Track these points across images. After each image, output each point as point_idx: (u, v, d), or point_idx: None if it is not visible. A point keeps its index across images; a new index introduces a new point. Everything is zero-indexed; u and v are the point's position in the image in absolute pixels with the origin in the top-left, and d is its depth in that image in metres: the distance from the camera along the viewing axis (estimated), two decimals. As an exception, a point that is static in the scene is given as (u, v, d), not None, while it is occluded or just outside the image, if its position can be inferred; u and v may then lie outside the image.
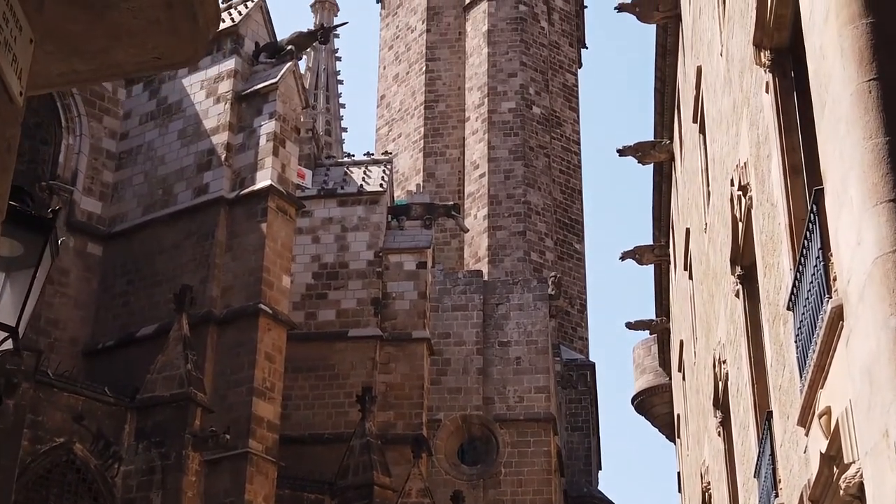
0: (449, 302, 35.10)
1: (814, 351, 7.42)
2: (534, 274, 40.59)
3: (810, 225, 7.48)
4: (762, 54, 9.55)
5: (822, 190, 7.23)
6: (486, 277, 38.24)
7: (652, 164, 24.34)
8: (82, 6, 4.37)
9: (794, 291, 8.14)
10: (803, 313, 7.89)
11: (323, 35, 26.49)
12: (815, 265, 7.36)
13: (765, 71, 9.50)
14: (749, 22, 10.12)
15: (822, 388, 7.36)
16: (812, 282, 7.49)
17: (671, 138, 22.74)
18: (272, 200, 23.80)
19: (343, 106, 58.85)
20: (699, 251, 17.57)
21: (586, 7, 53.35)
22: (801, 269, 7.88)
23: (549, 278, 36.76)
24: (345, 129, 57.36)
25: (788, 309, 8.48)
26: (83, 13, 4.42)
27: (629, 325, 28.86)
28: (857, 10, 6.48)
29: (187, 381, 21.22)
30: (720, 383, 14.61)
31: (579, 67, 51.19)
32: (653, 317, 29.04)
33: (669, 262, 25.58)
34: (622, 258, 26.02)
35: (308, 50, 58.41)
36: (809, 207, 7.52)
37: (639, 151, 23.50)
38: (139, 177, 25.92)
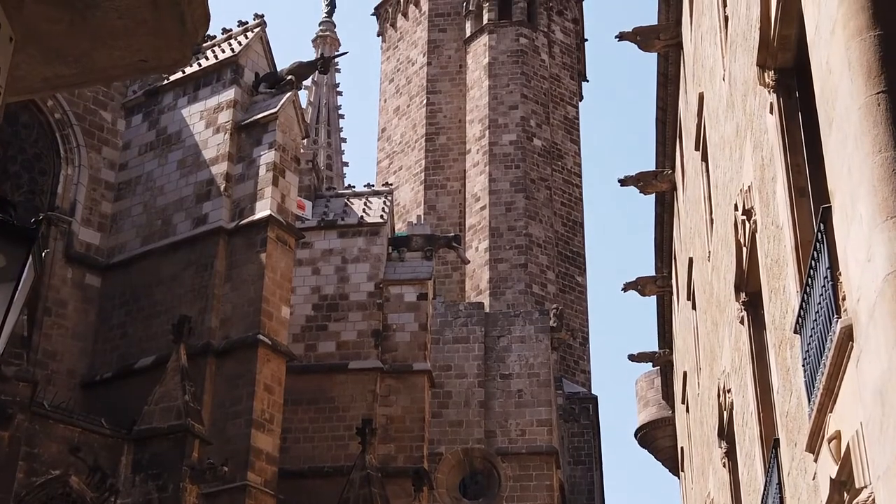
0: (450, 334, 34.92)
1: (822, 374, 7.27)
2: (535, 306, 40.40)
3: (818, 245, 7.35)
4: (766, 75, 9.46)
5: (830, 208, 7.09)
6: (487, 310, 38.06)
7: (654, 195, 24.29)
8: (64, 6, 4.22)
9: (802, 314, 8.00)
10: (811, 336, 7.74)
11: (323, 65, 26.43)
12: (823, 285, 7.22)
13: (769, 92, 9.41)
14: (752, 44, 10.04)
15: (831, 411, 7.20)
16: (820, 302, 7.35)
17: (673, 168, 22.70)
18: (272, 230, 23.66)
19: (344, 140, 58.95)
20: (702, 280, 17.46)
21: (587, 40, 53.48)
22: (808, 290, 7.75)
23: (551, 310, 36.59)
24: (346, 164, 57.38)
25: (795, 332, 8.34)
26: (65, 13, 4.27)
27: (632, 358, 28.67)
28: (865, 23, 6.37)
29: (185, 412, 21.00)
30: (725, 413, 14.45)
31: (580, 100, 51.25)
32: (656, 349, 28.87)
33: (672, 293, 25.48)
34: (624, 289, 25.92)
35: (309, 85, 58.74)
36: (817, 227, 7.39)
37: (640, 181, 23.46)
38: (138, 207, 25.80)
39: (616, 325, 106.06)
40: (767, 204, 9.87)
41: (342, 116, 59.99)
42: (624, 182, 23.37)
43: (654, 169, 23.64)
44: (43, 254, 4.71)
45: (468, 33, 49.00)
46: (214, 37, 27.20)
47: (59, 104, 25.83)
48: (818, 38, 7.28)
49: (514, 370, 34.81)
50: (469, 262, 41.92)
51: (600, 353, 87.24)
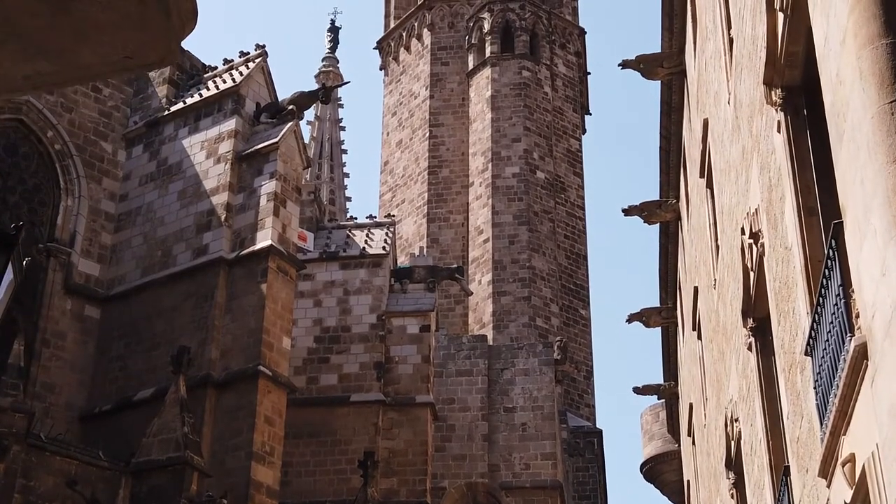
0: (453, 367, 34.69)
1: (835, 395, 7.09)
2: (539, 339, 40.15)
3: (829, 262, 7.18)
4: (773, 93, 9.33)
5: (842, 223, 6.93)
6: (490, 342, 37.83)
7: (658, 225, 24.17)
8: (46, -3, 4.03)
9: (813, 335, 7.83)
10: (823, 357, 7.56)
11: (325, 95, 26.32)
12: (836, 303, 7.04)
13: (776, 110, 9.27)
14: (758, 63, 9.93)
15: (844, 434, 7.00)
16: (832, 321, 7.17)
17: (677, 197, 22.61)
18: (272, 261, 23.47)
19: (347, 175, 59.03)
20: (708, 309, 17.34)
21: (589, 73, 53.52)
22: (819, 309, 7.57)
23: (555, 342, 36.35)
24: (349, 198, 57.43)
25: (806, 354, 8.17)
26: (47, 6, 4.08)
27: (637, 390, 28.48)
28: (877, 30, 6.22)
29: (184, 444, 20.74)
30: (732, 443, 14.27)
31: (583, 133, 51.20)
32: (661, 381, 28.66)
33: (677, 325, 25.33)
34: (629, 321, 25.79)
35: (312, 120, 58.87)
36: (827, 244, 7.21)
37: (644, 211, 23.37)
38: (138, 238, 25.64)
39: (620, 358, 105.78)
40: (775, 225, 9.72)
41: (345, 151, 60.11)
42: (628, 212, 23.26)
43: (658, 199, 23.55)
44: (24, 262, 4.51)
45: (471, 66, 49.04)
46: (215, 67, 27.15)
47: (59, 135, 25.74)
48: (827, 50, 7.14)
49: (517, 403, 34.54)
50: (472, 293, 41.72)
51: (605, 386, 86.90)
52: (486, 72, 47.96)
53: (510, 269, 43.82)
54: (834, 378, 7.20)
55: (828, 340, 7.35)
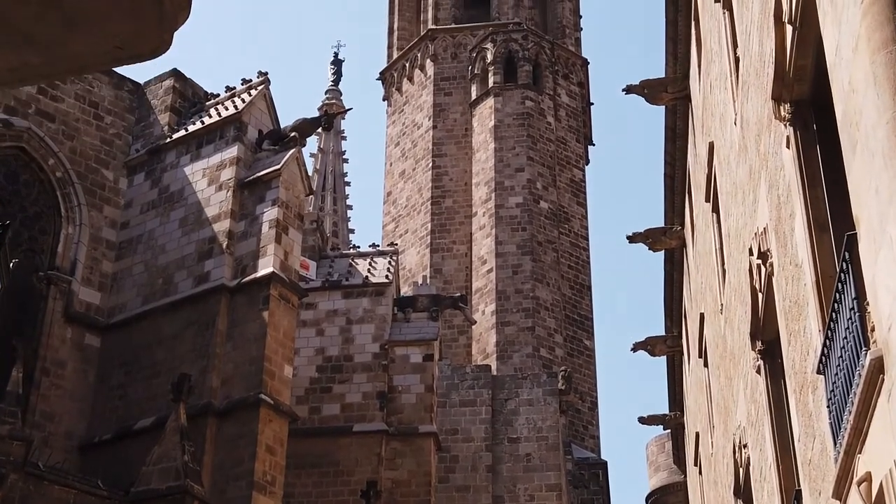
0: (457, 397, 34.45)
1: (850, 412, 6.93)
2: (543, 370, 39.88)
3: (842, 275, 7.03)
4: (782, 108, 9.23)
5: (855, 235, 6.78)
6: (494, 373, 37.58)
7: (663, 252, 24.08)
8: (34, -16, 3.88)
9: (825, 352, 7.68)
10: (836, 374, 7.41)
11: (327, 121, 26.24)
12: (850, 317, 6.89)
13: (785, 125, 9.17)
14: (765, 80, 9.84)
15: (860, 452, 6.83)
16: (846, 336, 7.01)
17: (682, 224, 22.53)
18: (274, 288, 23.29)
19: (350, 207, 59.01)
20: (714, 335, 17.25)
21: (592, 104, 53.52)
22: (832, 325, 7.42)
23: (559, 372, 36.11)
24: (352, 231, 57.35)
25: (819, 373, 8.01)
26: (35, -7, 3.93)
27: (642, 421, 28.28)
28: (891, 34, 6.10)
29: (184, 473, 20.50)
30: (741, 469, 14.12)
31: (586, 164, 51.13)
32: (666, 411, 28.46)
33: (682, 353, 25.20)
34: (634, 349, 25.66)
35: (316, 152, 58.90)
36: (840, 257, 7.05)
37: (649, 238, 23.29)
38: (139, 266, 25.47)
39: (625, 387, 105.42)
40: (785, 244, 9.59)
41: (348, 184, 60.13)
42: (632, 239, 23.17)
43: (662, 226, 23.45)
44: (11, 263, 4.33)
45: (474, 96, 49.04)
46: (218, 95, 27.09)
47: (60, 162, 25.65)
48: (839, 59, 7.02)
49: (521, 434, 34.26)
50: (476, 322, 41.49)
51: (610, 416, 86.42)
52: (490, 102, 47.95)
53: (514, 299, 43.61)
54: (848, 395, 7.06)
55: (841, 356, 7.20)
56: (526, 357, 42.26)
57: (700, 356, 20.15)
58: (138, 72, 66.47)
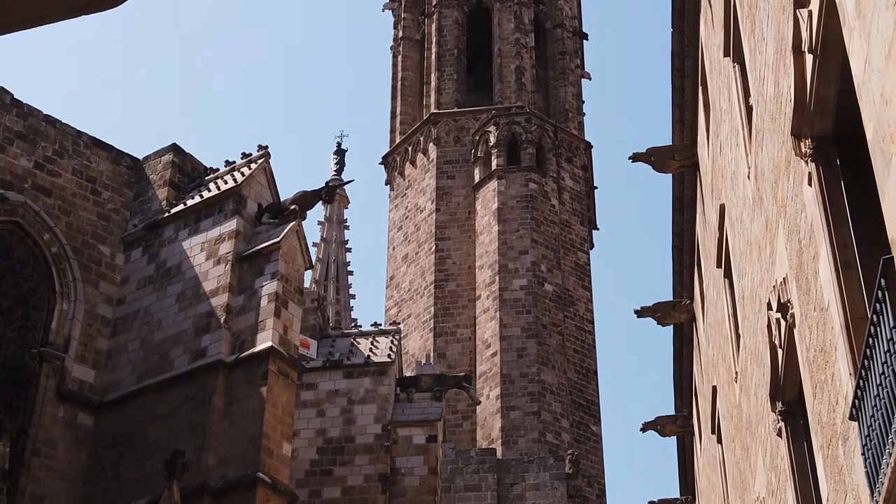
0: (461, 482, 33.63)
1: (890, 454, 6.33)
2: (549, 455, 39.02)
3: (877, 305, 6.49)
4: (803, 144, 8.77)
5: (892, 259, 6.27)
6: (499, 457, 36.76)
7: (672, 327, 23.60)
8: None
9: (858, 394, 7.09)
10: (872, 416, 6.84)
11: (328, 193, 25.85)
12: (888, 349, 6.32)
13: (806, 162, 8.71)
14: (783, 122, 9.45)
15: (903, 498, 6.21)
16: (884, 372, 6.46)
17: (691, 298, 22.11)
18: (273, 363, 22.67)
19: (353, 297, 58.69)
20: (729, 406, 16.71)
21: (596, 188, 53.32)
22: (866, 363, 6.84)
23: (567, 456, 35.28)
24: (354, 320, 56.76)
25: (852, 418, 7.42)
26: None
27: (652, 505, 27.49)
28: (929, 34, 5.62)
29: (177, 555, 19.72)
30: (762, 545, 13.37)
31: (591, 248, 50.72)
32: (677, 495, 27.73)
33: (693, 433, 24.58)
34: (643, 429, 25.09)
35: (318, 242, 58.65)
36: (877, 283, 6.51)
37: (658, 312, 22.85)
38: (135, 343, 24.88)
39: (634, 473, 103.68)
40: (808, 289, 9.09)
41: (351, 273, 59.87)
42: (641, 313, 22.73)
43: (671, 300, 23.01)
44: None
45: (477, 179, 48.84)
46: (218, 169, 26.76)
47: (56, 238, 25.20)
48: (868, 72, 6.57)
49: (528, 519, 33.39)
50: (480, 402, 40.73)
51: (618, 501, 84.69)
52: (493, 184, 47.72)
53: (519, 382, 42.89)
54: (887, 436, 6.49)
55: (878, 395, 6.66)
56: (532, 442, 41.42)
57: (713, 432, 19.60)
58: (137, 147, 66.51)
